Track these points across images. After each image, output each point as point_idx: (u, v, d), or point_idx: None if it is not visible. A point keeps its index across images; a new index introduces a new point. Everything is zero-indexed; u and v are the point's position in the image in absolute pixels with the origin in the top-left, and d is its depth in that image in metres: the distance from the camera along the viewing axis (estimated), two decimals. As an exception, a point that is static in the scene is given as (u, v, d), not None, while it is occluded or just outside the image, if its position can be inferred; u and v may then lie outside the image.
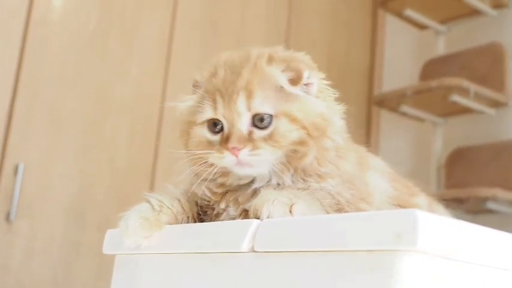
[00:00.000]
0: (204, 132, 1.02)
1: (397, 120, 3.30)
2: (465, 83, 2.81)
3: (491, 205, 2.59)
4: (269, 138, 0.98)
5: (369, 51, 3.42)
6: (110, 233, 1.14)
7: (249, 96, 0.98)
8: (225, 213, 1.02)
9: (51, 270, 2.30)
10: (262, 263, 0.84)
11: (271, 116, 0.98)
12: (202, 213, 1.06)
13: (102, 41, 2.51)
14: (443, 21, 3.30)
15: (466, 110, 3.02)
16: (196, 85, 1.07)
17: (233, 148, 0.96)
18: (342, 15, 3.35)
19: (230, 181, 1.02)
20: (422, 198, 1.20)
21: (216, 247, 0.91)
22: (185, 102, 1.07)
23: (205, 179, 1.01)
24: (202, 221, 1.06)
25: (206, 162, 1.00)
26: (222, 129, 1.00)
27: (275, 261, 0.82)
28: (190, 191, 1.07)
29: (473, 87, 2.81)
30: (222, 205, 1.02)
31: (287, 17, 3.12)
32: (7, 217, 2.22)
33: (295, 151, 0.99)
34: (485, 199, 2.57)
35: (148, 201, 1.05)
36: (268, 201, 0.89)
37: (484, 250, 0.73)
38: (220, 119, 1.00)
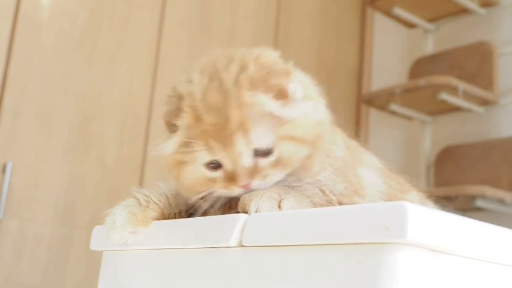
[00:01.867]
0: (202, 171, 0.96)
1: (386, 118, 3.31)
2: (454, 81, 2.81)
3: (480, 203, 2.59)
4: (276, 163, 0.95)
5: (358, 50, 3.42)
6: (97, 230, 1.13)
7: (245, 134, 0.93)
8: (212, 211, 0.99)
9: (40, 269, 2.28)
10: (251, 257, 0.83)
11: (269, 147, 0.95)
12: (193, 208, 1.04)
13: (91, 40, 2.50)
14: (431, 20, 3.30)
15: (454, 109, 3.02)
16: (172, 124, 0.99)
17: (243, 185, 0.93)
18: (330, 13, 3.35)
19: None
20: (414, 194, 1.20)
21: (204, 242, 0.90)
22: (167, 145, 1.00)
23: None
24: (191, 216, 1.05)
25: (208, 195, 0.97)
26: (219, 165, 0.95)
27: (263, 256, 0.82)
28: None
29: (462, 85, 2.82)
30: (205, 205, 0.98)
31: (276, 16, 3.12)
32: (-5, 216, 2.21)
33: (302, 166, 0.97)
34: (474, 197, 2.58)
35: (135, 197, 1.03)
36: (257, 196, 0.88)
37: (474, 243, 0.72)
38: (219, 161, 0.95)
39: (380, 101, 3.08)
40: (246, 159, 0.94)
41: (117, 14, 2.59)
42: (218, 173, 0.96)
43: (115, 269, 1.10)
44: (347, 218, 0.71)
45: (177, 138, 0.98)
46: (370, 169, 1.11)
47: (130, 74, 2.60)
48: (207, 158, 0.95)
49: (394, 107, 3.08)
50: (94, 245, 1.12)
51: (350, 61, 3.38)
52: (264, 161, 0.94)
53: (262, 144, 0.94)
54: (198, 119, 0.95)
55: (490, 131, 3.00)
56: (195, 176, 0.97)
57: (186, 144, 0.96)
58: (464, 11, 3.14)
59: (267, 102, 0.94)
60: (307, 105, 0.98)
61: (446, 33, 3.29)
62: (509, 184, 2.69)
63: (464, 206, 2.68)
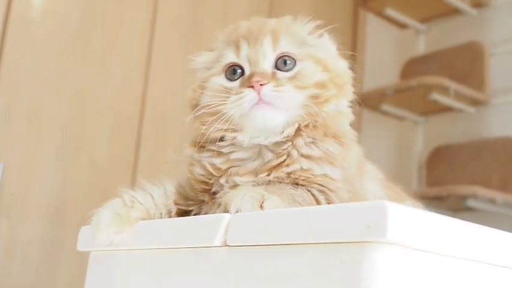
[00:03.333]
0: (221, 80, 0.99)
1: (378, 119, 3.31)
2: (445, 81, 2.82)
3: (471, 203, 2.60)
4: (293, 78, 0.97)
5: (350, 50, 3.42)
6: (84, 230, 1.14)
7: (275, 39, 0.99)
8: (221, 192, 0.99)
9: (32, 270, 2.28)
10: (235, 256, 0.84)
11: (294, 60, 0.98)
12: (195, 201, 1.04)
13: (83, 41, 2.50)
14: (423, 20, 3.32)
15: (446, 109, 3.03)
16: (213, 46, 1.07)
17: (256, 81, 0.93)
18: (323, 14, 3.35)
19: (236, 154, 0.99)
20: (409, 203, 1.20)
21: (189, 242, 0.91)
22: (202, 56, 1.06)
23: (209, 150, 1.01)
24: (186, 214, 1.04)
25: (220, 116, 0.96)
26: (241, 75, 0.98)
27: (248, 255, 0.82)
28: (188, 176, 1.06)
29: (453, 85, 2.83)
30: (222, 180, 0.99)
31: (268, 14, 3.12)
32: (-15, 217, 2.21)
33: (317, 96, 0.97)
34: (465, 197, 2.58)
35: (121, 197, 1.03)
36: (238, 196, 0.88)
37: (455, 242, 0.73)
38: (241, 64, 0.99)
39: (372, 101, 3.08)
40: (267, 62, 0.98)
41: (109, 14, 2.58)
42: (235, 83, 0.98)
43: (102, 269, 1.10)
44: (328, 217, 0.71)
45: (213, 52, 1.06)
46: (372, 179, 1.11)
47: (122, 75, 2.59)
48: (230, 58, 0.99)
49: (386, 107, 3.09)
50: (81, 246, 1.13)
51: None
52: (282, 74, 0.97)
53: (287, 50, 0.98)
54: (237, 27, 1.03)
55: (481, 131, 3.01)
56: (214, 88, 0.99)
57: (216, 54, 1.03)
58: (455, 11, 3.16)
59: (305, 28, 1.04)
60: (334, 48, 1.06)
61: (437, 33, 3.31)
62: (500, 184, 2.70)
63: (456, 206, 2.69)
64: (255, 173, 0.98)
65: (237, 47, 0.99)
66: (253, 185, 0.96)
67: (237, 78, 0.98)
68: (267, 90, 0.94)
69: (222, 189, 0.99)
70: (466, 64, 3.02)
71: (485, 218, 2.70)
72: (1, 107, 2.28)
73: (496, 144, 2.83)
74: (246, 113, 0.95)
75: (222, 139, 1.01)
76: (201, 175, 1.02)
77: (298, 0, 3.27)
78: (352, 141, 1.03)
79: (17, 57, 2.33)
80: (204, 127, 0.99)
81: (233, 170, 0.99)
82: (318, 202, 0.95)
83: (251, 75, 0.96)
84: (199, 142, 1.03)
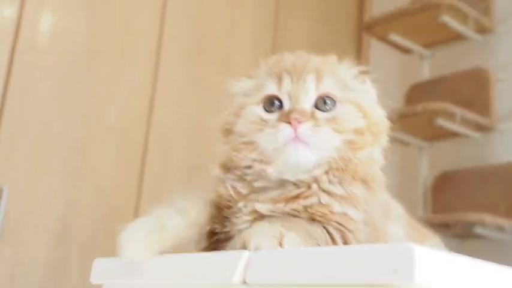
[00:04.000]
0: (259, 111, 0.98)
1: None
2: (451, 107, 2.82)
3: (478, 230, 2.59)
4: (331, 120, 0.96)
5: (355, 75, 3.43)
6: (98, 262, 1.12)
7: (319, 78, 0.98)
8: (239, 214, 0.99)
9: (34, 296, 2.26)
10: (254, 295, 0.83)
11: (334, 101, 0.98)
12: (218, 219, 1.04)
13: (89, 66, 2.50)
14: (427, 46, 3.32)
15: (451, 134, 3.03)
16: (254, 73, 1.06)
17: (295, 118, 0.93)
18: (327, 39, 3.37)
19: (259, 182, 0.99)
20: (431, 241, 1.19)
21: (207, 278, 0.89)
22: (242, 82, 1.05)
23: (233, 173, 1.01)
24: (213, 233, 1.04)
25: (253, 146, 0.97)
26: (280, 108, 0.97)
27: (267, 294, 0.81)
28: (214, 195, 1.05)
29: (458, 111, 2.82)
30: (241, 204, 0.99)
31: (272, 43, 3.13)
32: (-10, 242, 2.19)
33: (352, 142, 0.97)
34: (472, 224, 2.57)
35: (154, 215, 1.01)
36: (257, 233, 0.87)
37: (482, 285, 0.72)
38: (281, 97, 0.98)
39: (376, 126, 3.07)
40: (308, 100, 0.97)
41: (115, 38, 2.59)
42: (273, 116, 0.97)
43: (115, 302, 1.09)
44: (354, 259, 0.70)
45: (251, 81, 1.04)
46: (396, 222, 1.10)
47: (128, 98, 2.60)
48: (271, 90, 0.98)
49: (390, 132, 3.08)
50: (95, 278, 1.11)
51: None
52: (321, 114, 0.96)
53: (329, 91, 0.98)
54: (280, 59, 1.02)
55: (487, 157, 3.00)
56: (250, 117, 0.98)
57: (257, 82, 1.02)
58: (459, 37, 3.16)
59: (345, 70, 1.03)
60: (375, 96, 1.05)
61: (442, 59, 3.31)
62: (507, 211, 2.68)
63: (463, 233, 2.67)
64: (274, 201, 0.97)
65: (279, 80, 0.98)
66: (270, 215, 0.96)
67: (275, 111, 0.98)
68: (304, 129, 0.93)
69: (240, 212, 0.99)
70: (471, 90, 3.02)
71: (493, 245, 2.68)
72: (6, 130, 2.27)
73: (502, 170, 2.82)
74: (280, 147, 0.95)
75: (248, 167, 1.00)
76: (224, 195, 1.03)
77: (303, 25, 3.29)
78: (380, 185, 1.03)
79: (24, 81, 2.34)
80: (235, 153, 0.99)
81: (253, 196, 0.99)
82: (333, 241, 0.94)
83: (290, 112, 0.95)
84: (226, 165, 1.04)
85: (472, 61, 3.14)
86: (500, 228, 2.57)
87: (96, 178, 2.47)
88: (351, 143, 0.97)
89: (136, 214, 2.53)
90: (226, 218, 1.03)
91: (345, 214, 0.96)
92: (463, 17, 3.07)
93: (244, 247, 0.87)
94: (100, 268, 1.11)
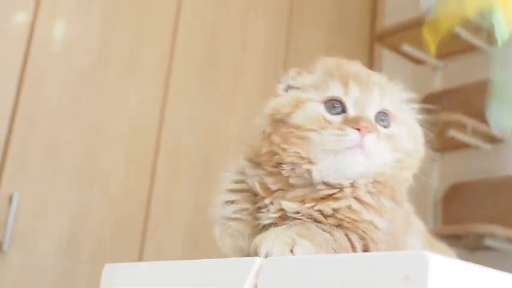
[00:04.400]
0: (322, 110, 0.97)
1: (393, 154, 3.29)
2: (463, 118, 2.81)
3: (489, 242, 2.57)
4: (389, 137, 0.97)
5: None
6: (108, 268, 1.12)
7: (382, 93, 0.99)
8: (265, 210, 1.00)
9: (43, 302, 2.27)
10: (266, 302, 0.82)
11: (389, 119, 0.99)
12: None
13: (101, 74, 2.51)
14: (440, 57, 3.31)
15: (462, 145, 3.01)
16: (303, 74, 1.04)
17: (365, 127, 0.93)
18: (339, 49, 3.36)
19: (293, 179, 0.99)
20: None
21: (219, 285, 0.89)
22: (302, 77, 1.03)
23: (262, 168, 1.01)
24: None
25: (309, 142, 0.96)
26: (341, 113, 0.97)
27: (279, 301, 0.80)
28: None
29: (470, 122, 2.81)
30: (267, 201, 1.00)
31: (285, 52, 3.13)
32: (0, 247, 2.20)
33: (401, 162, 0.99)
34: (483, 236, 2.56)
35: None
36: (269, 240, 0.87)
37: (495, 293, 0.71)
38: (347, 103, 0.97)
39: (388, 137, 3.06)
40: (372, 111, 0.98)
41: (127, 48, 2.60)
42: (336, 118, 0.96)
43: (125, 308, 1.08)
44: (366, 266, 0.70)
45: (311, 77, 1.02)
46: (416, 236, 1.11)
47: (139, 108, 2.60)
48: (337, 93, 0.98)
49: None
50: (105, 284, 1.11)
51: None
52: (381, 129, 0.97)
53: (390, 109, 0.99)
54: (340, 66, 1.02)
55: (498, 169, 2.99)
56: (311, 114, 0.97)
57: (317, 85, 1.00)
58: (472, 48, 3.15)
59: (399, 92, 1.05)
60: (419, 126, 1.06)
61: (454, 70, 3.30)
62: (517, 223, 2.67)
63: (473, 245, 2.66)
64: (303, 200, 0.97)
65: (345, 85, 0.98)
66: (294, 217, 0.96)
67: (338, 114, 0.97)
68: (372, 138, 0.94)
69: (267, 209, 0.99)
70: (483, 101, 3.01)
71: (503, 257, 2.67)
72: (18, 137, 2.28)
73: (512, 182, 2.80)
74: (339, 150, 0.95)
75: (290, 163, 0.99)
76: (252, 188, 1.03)
77: (316, 34, 3.29)
78: (404, 198, 1.05)
79: (36, 88, 2.35)
80: (285, 146, 0.98)
81: (280, 193, 0.99)
82: (354, 249, 0.94)
83: (359, 119, 0.95)
84: (252, 159, 1.04)
85: (485, 73, 3.13)
86: (511, 240, 2.56)
87: (106, 186, 2.47)
88: (400, 162, 0.99)
89: (145, 222, 2.54)
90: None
91: (372, 222, 0.96)
92: (476, 29, 3.06)
93: (255, 252, 0.87)
94: (110, 274, 1.11)
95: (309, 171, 0.97)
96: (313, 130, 0.96)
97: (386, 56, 3.50)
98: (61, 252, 2.32)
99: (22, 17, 2.36)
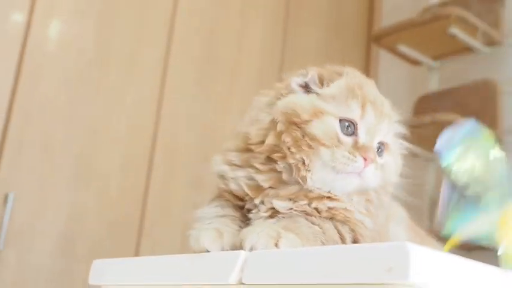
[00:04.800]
0: (337, 127, 0.99)
1: (390, 155, 3.29)
2: (459, 119, 2.80)
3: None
4: (381, 167, 1.02)
5: (363, 86, 3.42)
6: (96, 263, 1.12)
7: (388, 125, 1.03)
8: (255, 210, 1.01)
9: (38, 301, 2.26)
10: (251, 295, 0.82)
11: (385, 148, 1.04)
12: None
13: (97, 73, 2.51)
14: (436, 57, 3.31)
15: (458, 146, 3.01)
16: (323, 80, 1.04)
17: (370, 159, 0.97)
18: (335, 49, 3.37)
19: (285, 174, 1.00)
20: (430, 243, 1.20)
21: (204, 279, 0.89)
22: (329, 88, 1.03)
23: (251, 166, 1.02)
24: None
25: (317, 155, 0.98)
26: (351, 134, 1.00)
27: (264, 294, 0.81)
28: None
29: (466, 123, 2.81)
30: (257, 200, 1.00)
31: (281, 52, 3.14)
32: (-5, 247, 2.20)
33: (382, 189, 1.04)
34: (478, 236, 2.55)
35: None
36: (253, 233, 0.88)
37: (477, 284, 0.71)
38: (360, 126, 1.00)
39: (384, 137, 3.06)
40: (376, 141, 1.02)
41: (123, 47, 2.60)
42: (348, 139, 0.99)
43: (114, 304, 1.08)
44: (349, 258, 0.70)
45: (332, 89, 1.03)
46: (398, 223, 1.13)
47: (135, 107, 2.60)
48: (356, 115, 1.00)
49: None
50: (93, 279, 1.11)
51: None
52: (378, 158, 1.02)
53: (389, 142, 1.04)
54: (361, 85, 1.04)
55: (495, 170, 2.98)
56: (327, 129, 0.99)
57: (336, 98, 1.01)
58: (468, 49, 3.15)
59: (396, 123, 1.08)
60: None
61: (450, 70, 3.30)
62: (514, 223, 2.66)
63: (469, 245, 2.65)
64: (296, 197, 0.99)
65: (363, 109, 1.00)
66: (286, 213, 0.98)
67: (348, 134, 1.00)
68: (371, 169, 0.99)
69: (257, 209, 1.00)
70: (478, 102, 3.01)
71: (498, 256, 2.66)
72: (14, 136, 2.29)
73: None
74: (341, 171, 0.98)
75: (273, 158, 1.01)
76: (236, 191, 1.04)
77: (312, 34, 3.29)
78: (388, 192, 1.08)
79: (32, 88, 2.35)
80: (294, 149, 0.99)
81: (271, 191, 1.00)
82: (343, 240, 0.96)
83: (367, 148, 0.99)
84: (231, 161, 1.05)
85: (480, 73, 3.13)
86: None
87: (103, 185, 2.47)
88: (383, 188, 1.05)
89: (141, 221, 2.54)
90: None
91: (362, 222, 1.01)
92: (472, 29, 3.06)
93: (241, 246, 0.87)
94: (99, 269, 1.11)
95: (303, 178, 0.99)
96: (326, 146, 0.98)
97: (383, 56, 3.51)
98: (57, 251, 2.32)
99: (18, 17, 2.36)
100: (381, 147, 1.03)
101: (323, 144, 0.98)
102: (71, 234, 2.36)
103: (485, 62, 3.18)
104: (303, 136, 0.99)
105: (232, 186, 1.04)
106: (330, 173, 0.98)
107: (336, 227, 0.98)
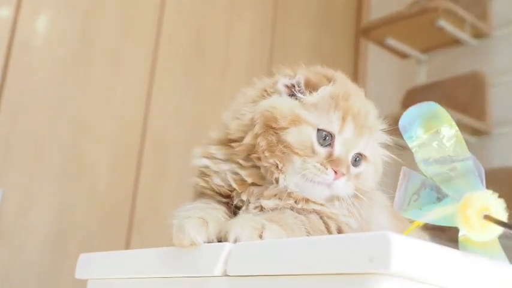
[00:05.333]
0: (313, 137, 1.00)
1: (379, 148, 3.30)
2: (447, 111, 2.81)
3: (472, 234, 2.58)
4: (357, 177, 1.03)
5: (352, 80, 3.42)
6: (82, 257, 1.12)
7: (368, 137, 1.04)
8: (244, 207, 1.01)
9: (28, 298, 2.26)
10: (236, 287, 0.83)
11: (363, 158, 1.04)
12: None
13: (85, 69, 2.50)
14: (424, 50, 3.33)
15: (447, 139, 3.02)
16: (310, 86, 1.03)
17: (342, 174, 0.98)
18: (324, 43, 3.37)
19: (280, 180, 1.01)
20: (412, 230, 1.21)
21: (189, 271, 0.89)
22: (313, 96, 1.02)
23: (234, 161, 1.02)
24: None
25: (291, 162, 0.99)
26: (327, 145, 1.00)
27: (248, 285, 0.81)
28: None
29: (455, 115, 2.81)
30: (244, 197, 1.01)
31: (270, 46, 3.14)
32: (-16, 244, 2.19)
33: (356, 197, 1.03)
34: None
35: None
36: (237, 225, 0.88)
37: (459, 274, 0.72)
38: (337, 139, 1.01)
39: (373, 130, 3.07)
40: (352, 154, 1.03)
41: (111, 43, 2.59)
42: (322, 150, 1.00)
43: (100, 298, 1.08)
44: (331, 248, 0.70)
45: (315, 97, 1.02)
46: (380, 213, 1.14)
47: (124, 103, 2.60)
48: (335, 128, 1.00)
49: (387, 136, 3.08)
50: (79, 274, 1.11)
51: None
52: (353, 169, 1.03)
53: (367, 154, 1.05)
54: (347, 96, 1.03)
55: (483, 161, 2.98)
56: (303, 138, 1.00)
57: (318, 106, 1.01)
58: (456, 42, 3.17)
59: (380, 131, 1.09)
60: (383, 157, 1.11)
61: (438, 63, 3.31)
62: (502, 215, 2.67)
63: (457, 237, 2.66)
64: (279, 196, 1.00)
65: (343, 123, 1.01)
66: (276, 208, 0.99)
67: (324, 146, 1.00)
68: (341, 183, 1.00)
69: (245, 206, 1.01)
70: (467, 94, 3.02)
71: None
72: (2, 133, 2.28)
73: (497, 175, 2.81)
74: (312, 181, 0.99)
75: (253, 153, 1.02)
76: (220, 186, 1.04)
77: (301, 29, 3.29)
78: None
79: (19, 84, 2.34)
80: (267, 154, 1.00)
81: (255, 189, 1.01)
82: (329, 231, 0.99)
83: (340, 162, 1.00)
84: (212, 154, 1.05)
85: (468, 66, 3.14)
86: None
87: (92, 181, 2.47)
88: (356, 196, 1.04)
89: (131, 217, 2.53)
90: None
91: (347, 223, 1.02)
92: (460, 22, 3.07)
93: (225, 238, 0.87)
94: (85, 263, 1.11)
95: (276, 180, 1.00)
96: (299, 155, 0.99)
97: (372, 50, 3.51)
98: (47, 247, 2.32)
99: (4, 12, 2.35)
100: (358, 158, 1.04)
101: (296, 153, 0.99)
102: (61, 231, 2.36)
103: (473, 55, 3.19)
104: (278, 142, 0.99)
105: (216, 181, 1.04)
106: (301, 180, 0.99)
107: (321, 218, 0.99)
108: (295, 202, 0.99)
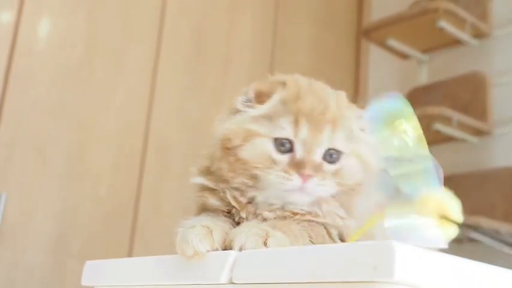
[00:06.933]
0: (269, 148, 0.98)
1: (380, 148, 3.30)
2: (448, 111, 2.82)
3: (474, 234, 2.58)
4: (336, 174, 0.99)
5: (353, 81, 3.44)
6: (88, 264, 1.13)
7: (333, 130, 0.98)
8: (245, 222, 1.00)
9: (32, 301, 2.27)
10: (241, 294, 0.83)
11: (340, 153, 0.99)
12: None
13: (87, 71, 2.51)
14: (425, 51, 3.33)
15: (448, 139, 3.03)
16: (262, 97, 1.02)
17: (307, 175, 0.95)
18: (325, 44, 3.38)
19: (260, 197, 1.00)
20: None
21: (195, 279, 0.90)
22: (256, 110, 1.01)
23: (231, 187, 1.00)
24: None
25: (255, 178, 0.98)
26: (288, 151, 0.98)
27: (254, 293, 0.82)
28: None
29: (456, 115, 2.83)
30: (243, 214, 1.00)
31: (271, 46, 3.14)
32: (-12, 247, 2.20)
33: (351, 190, 1.00)
34: (468, 228, 2.57)
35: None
36: (242, 233, 0.88)
37: (462, 282, 0.72)
38: (295, 143, 0.98)
39: (374, 130, 3.08)
40: (319, 152, 0.98)
41: (113, 45, 2.60)
42: (283, 158, 0.97)
43: (106, 304, 1.09)
44: (335, 257, 0.71)
45: (265, 108, 1.01)
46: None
47: (126, 105, 2.60)
48: (287, 133, 0.98)
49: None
50: (85, 280, 1.12)
51: (345, 90, 3.39)
52: (327, 166, 0.98)
53: (338, 147, 0.99)
54: (297, 96, 1.00)
55: (484, 161, 3.00)
56: (259, 151, 0.98)
57: (270, 116, 0.99)
58: (457, 42, 3.17)
59: (354, 120, 1.02)
60: (375, 140, 1.03)
61: (439, 64, 3.32)
62: (504, 215, 2.68)
63: (459, 237, 2.67)
64: (281, 212, 0.99)
65: (296, 124, 0.98)
66: (276, 218, 0.98)
67: (285, 153, 0.98)
68: (313, 183, 0.96)
69: (246, 220, 1.00)
70: (468, 94, 3.03)
71: (489, 249, 2.68)
72: (4, 136, 2.28)
73: (499, 175, 2.82)
74: (282, 191, 0.97)
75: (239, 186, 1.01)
76: (218, 206, 1.03)
77: (302, 30, 3.30)
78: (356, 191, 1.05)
79: (22, 86, 2.35)
80: (231, 175, 0.99)
81: (251, 207, 1.00)
82: (330, 236, 0.98)
83: (303, 163, 0.96)
84: (208, 169, 1.04)
85: (469, 66, 3.15)
86: (497, 232, 2.57)
87: (94, 184, 2.47)
88: (349, 191, 1.01)
89: (134, 219, 2.54)
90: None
91: (347, 227, 1.00)
92: (461, 22, 3.08)
93: (230, 246, 0.88)
94: (91, 270, 1.12)
95: (252, 199, 1.00)
96: (259, 168, 0.97)
97: (373, 51, 3.52)
98: (50, 250, 2.32)
99: (6, 16, 2.36)
100: (333, 154, 0.99)
101: (256, 167, 0.97)
102: (64, 233, 2.37)
103: (474, 55, 3.20)
104: (236, 161, 0.99)
105: (212, 202, 1.03)
106: (275, 192, 0.98)
107: (322, 223, 0.99)
108: (292, 216, 0.98)
